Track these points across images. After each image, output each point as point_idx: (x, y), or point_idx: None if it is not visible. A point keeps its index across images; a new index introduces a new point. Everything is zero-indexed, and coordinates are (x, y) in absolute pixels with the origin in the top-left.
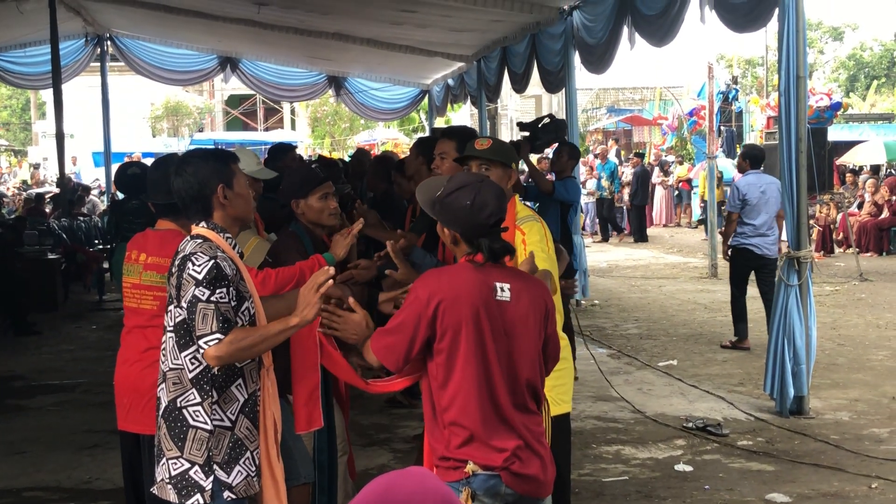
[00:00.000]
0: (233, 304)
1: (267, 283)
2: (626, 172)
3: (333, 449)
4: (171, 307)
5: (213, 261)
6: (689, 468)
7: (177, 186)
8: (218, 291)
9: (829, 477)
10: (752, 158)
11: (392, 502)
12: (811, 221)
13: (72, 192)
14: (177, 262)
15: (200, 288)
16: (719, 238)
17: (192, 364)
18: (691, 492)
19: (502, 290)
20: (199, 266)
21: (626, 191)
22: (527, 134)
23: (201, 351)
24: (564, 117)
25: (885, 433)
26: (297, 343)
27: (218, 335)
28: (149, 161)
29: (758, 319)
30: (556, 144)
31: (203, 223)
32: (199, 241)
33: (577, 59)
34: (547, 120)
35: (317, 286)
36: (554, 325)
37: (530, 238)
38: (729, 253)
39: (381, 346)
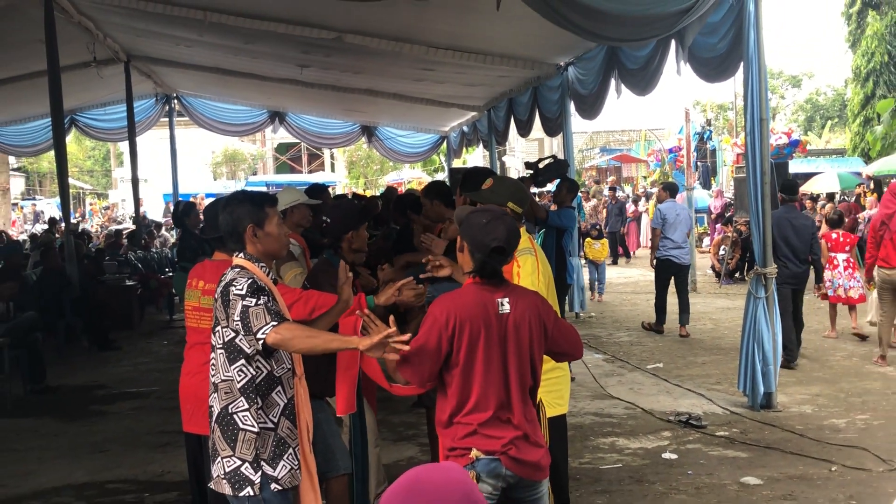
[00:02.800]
0: (276, 308)
1: (309, 301)
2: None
3: (365, 443)
4: (218, 328)
5: (250, 280)
6: (674, 456)
7: (220, 221)
8: (263, 297)
9: (794, 462)
10: (670, 190)
11: (420, 491)
12: None
13: (145, 228)
14: (220, 290)
15: (247, 298)
16: (697, 256)
17: (240, 375)
18: (676, 476)
19: (503, 304)
20: (240, 286)
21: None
22: (531, 171)
23: (258, 339)
24: (563, 157)
25: (843, 423)
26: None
27: (272, 323)
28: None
29: (732, 327)
30: (559, 180)
31: (241, 254)
32: (238, 269)
33: (572, 107)
34: (551, 160)
35: (384, 338)
36: (555, 321)
37: (524, 271)
38: (655, 262)
39: (409, 368)
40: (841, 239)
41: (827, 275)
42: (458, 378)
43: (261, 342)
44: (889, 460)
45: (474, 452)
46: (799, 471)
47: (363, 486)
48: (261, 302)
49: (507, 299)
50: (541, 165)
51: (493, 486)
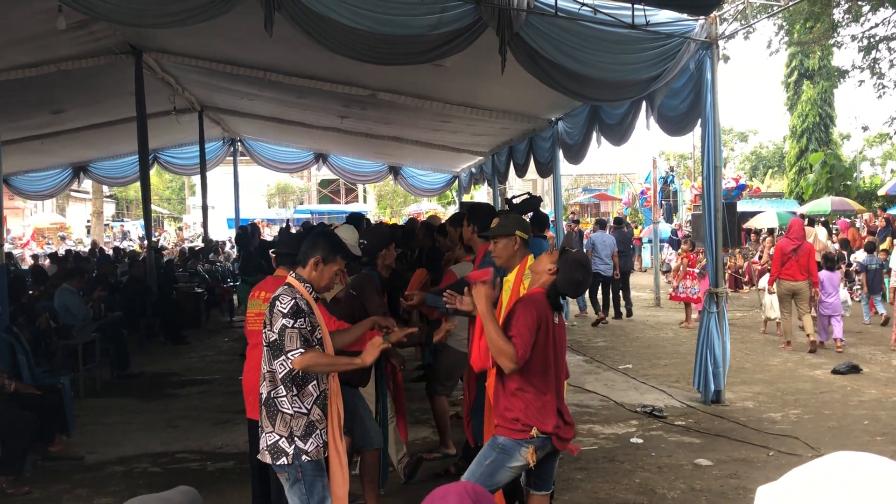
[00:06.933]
0: (309, 329)
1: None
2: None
3: (385, 417)
4: (265, 331)
5: (293, 300)
6: (640, 440)
7: (306, 240)
8: (299, 320)
9: (738, 447)
10: (600, 224)
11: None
12: (725, 267)
13: (212, 246)
14: (271, 300)
15: (287, 318)
16: (662, 277)
17: (281, 368)
18: (642, 457)
19: (556, 318)
20: (284, 304)
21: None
22: (507, 207)
23: (289, 360)
24: (553, 195)
25: (779, 416)
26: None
27: (301, 349)
28: (268, 224)
29: (689, 335)
30: (531, 214)
31: (294, 273)
32: (286, 287)
33: (561, 154)
34: (526, 196)
35: (379, 346)
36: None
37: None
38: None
39: (520, 339)
40: (692, 256)
41: (675, 282)
42: (531, 362)
43: (289, 362)
44: (816, 447)
45: (534, 431)
46: (742, 455)
47: (385, 453)
48: (296, 325)
49: (557, 317)
50: (516, 201)
51: (538, 456)
